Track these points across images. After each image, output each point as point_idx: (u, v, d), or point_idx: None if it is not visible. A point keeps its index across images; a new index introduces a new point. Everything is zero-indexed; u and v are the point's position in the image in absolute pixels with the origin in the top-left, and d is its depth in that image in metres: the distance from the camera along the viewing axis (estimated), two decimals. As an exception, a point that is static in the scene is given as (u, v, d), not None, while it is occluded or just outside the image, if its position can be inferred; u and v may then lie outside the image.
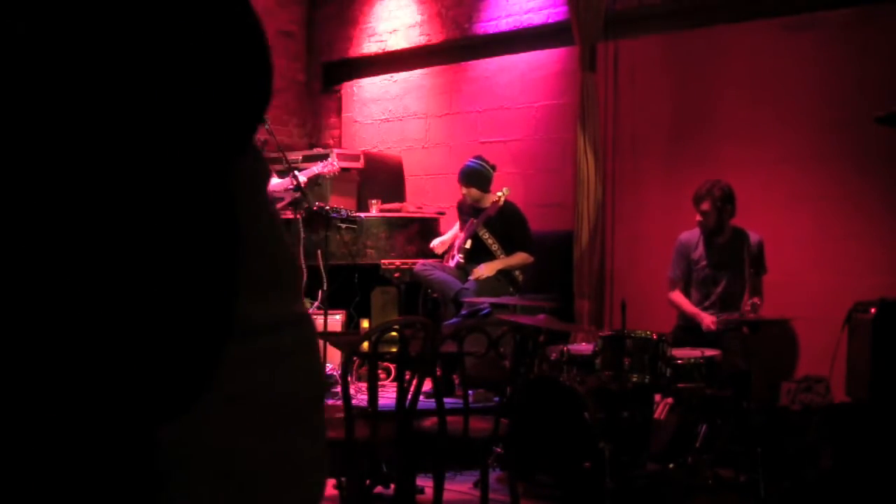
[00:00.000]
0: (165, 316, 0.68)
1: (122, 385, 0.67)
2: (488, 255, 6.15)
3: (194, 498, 0.75)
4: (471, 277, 6.00)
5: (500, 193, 6.20)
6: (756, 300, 4.92)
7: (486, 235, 6.18)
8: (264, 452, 0.79)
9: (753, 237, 5.37)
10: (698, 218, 5.36)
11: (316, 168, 6.55)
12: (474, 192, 6.25)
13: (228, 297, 0.72)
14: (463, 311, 5.80)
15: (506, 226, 6.18)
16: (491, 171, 6.29)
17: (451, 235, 6.54)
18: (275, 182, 6.30)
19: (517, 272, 6.18)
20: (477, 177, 6.24)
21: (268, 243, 0.81)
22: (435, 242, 6.55)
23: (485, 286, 5.95)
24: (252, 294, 0.77)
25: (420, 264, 6.29)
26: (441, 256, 6.54)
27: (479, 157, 6.36)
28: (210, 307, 0.70)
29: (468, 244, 6.23)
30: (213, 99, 0.71)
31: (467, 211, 6.34)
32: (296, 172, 6.08)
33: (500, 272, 6.07)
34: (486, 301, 5.61)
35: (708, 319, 5.24)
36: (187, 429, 0.73)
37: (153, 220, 0.68)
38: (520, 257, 6.13)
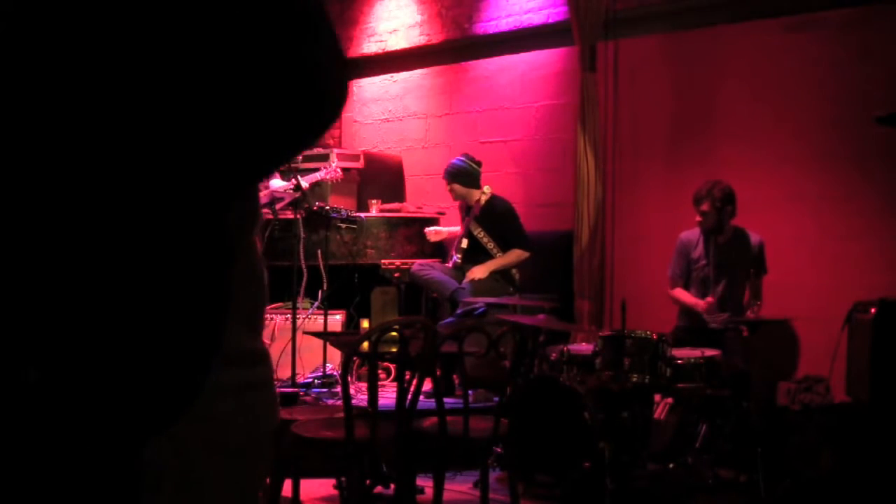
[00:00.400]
0: (157, 334, 0.69)
1: (111, 397, 0.69)
2: (486, 254, 6.15)
3: None
4: (465, 280, 6.00)
5: (482, 192, 6.20)
6: (754, 308, 4.93)
7: (480, 234, 6.17)
8: (229, 478, 0.81)
9: (754, 238, 5.37)
10: (698, 218, 5.36)
11: (318, 174, 6.49)
12: (457, 188, 6.26)
13: (218, 324, 0.74)
14: (458, 311, 5.79)
15: (497, 222, 6.17)
16: (476, 168, 6.29)
17: (448, 231, 6.55)
18: (276, 184, 6.29)
19: (514, 270, 6.18)
20: (458, 174, 6.25)
21: (251, 281, 0.86)
22: (430, 229, 6.56)
23: (481, 286, 5.95)
24: (235, 326, 0.81)
25: (417, 265, 6.28)
26: (438, 253, 6.54)
27: (464, 155, 6.38)
28: (200, 331, 0.73)
29: (464, 244, 6.23)
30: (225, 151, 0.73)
31: (464, 210, 6.36)
32: (298, 177, 6.07)
33: (496, 272, 6.07)
34: (484, 301, 5.61)
35: (703, 303, 5.25)
36: (165, 449, 0.74)
37: (155, 247, 0.70)
38: (515, 254, 6.12)
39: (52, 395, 0.68)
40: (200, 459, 0.79)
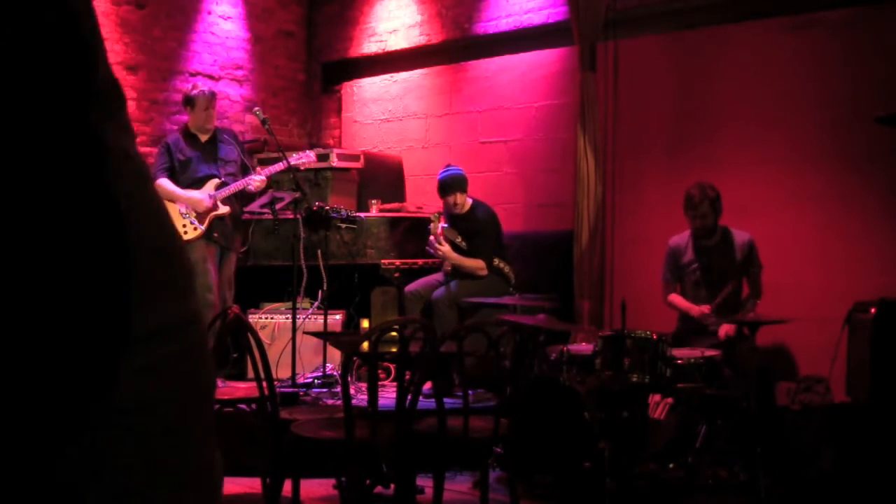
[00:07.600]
0: (59, 329, 0.67)
1: (18, 397, 0.67)
2: (465, 253, 6.08)
3: None
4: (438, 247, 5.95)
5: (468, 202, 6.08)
6: (750, 305, 4.92)
7: (458, 240, 6.05)
8: (160, 466, 0.79)
9: (741, 237, 5.34)
10: (697, 223, 5.31)
11: (293, 160, 6.29)
12: (459, 196, 6.10)
13: (123, 306, 0.71)
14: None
15: (475, 228, 6.06)
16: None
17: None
18: (255, 178, 6.18)
19: (507, 268, 6.14)
20: (462, 181, 6.12)
21: (154, 242, 0.79)
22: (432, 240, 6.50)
23: (469, 286, 5.92)
24: (141, 301, 0.75)
25: (408, 289, 6.22)
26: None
27: (449, 166, 6.30)
28: (105, 318, 0.70)
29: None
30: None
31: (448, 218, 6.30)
32: (260, 176, 6.03)
33: (494, 271, 6.06)
34: (484, 301, 5.59)
35: (697, 309, 5.23)
36: (89, 444, 0.73)
37: (38, 230, 0.67)
38: (476, 264, 6.00)
39: None
40: (121, 457, 0.77)
